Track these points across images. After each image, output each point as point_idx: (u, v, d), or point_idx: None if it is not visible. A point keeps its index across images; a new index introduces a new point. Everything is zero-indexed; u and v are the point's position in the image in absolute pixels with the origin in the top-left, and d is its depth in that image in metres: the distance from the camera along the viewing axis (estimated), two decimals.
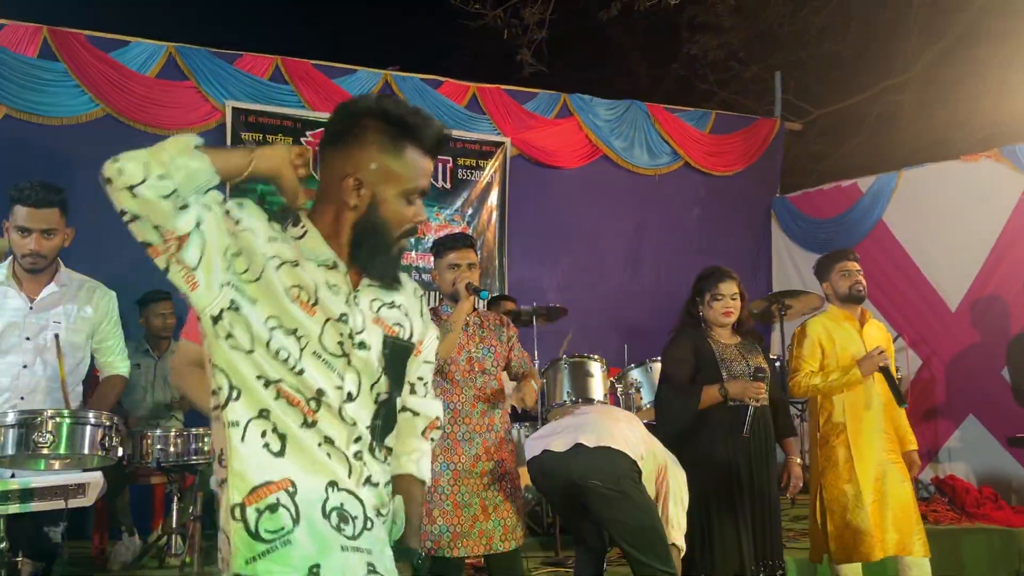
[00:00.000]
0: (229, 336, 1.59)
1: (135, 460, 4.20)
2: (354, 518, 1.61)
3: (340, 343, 1.65)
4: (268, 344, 1.59)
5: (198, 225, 1.54)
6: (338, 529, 1.59)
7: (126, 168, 1.49)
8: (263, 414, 1.59)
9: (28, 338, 3.10)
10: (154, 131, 5.79)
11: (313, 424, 1.60)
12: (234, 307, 1.59)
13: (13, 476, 2.62)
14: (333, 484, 1.61)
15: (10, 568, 2.56)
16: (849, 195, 7.22)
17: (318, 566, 1.54)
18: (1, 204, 3.18)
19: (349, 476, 1.63)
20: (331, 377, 1.63)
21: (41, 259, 3.09)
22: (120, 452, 2.74)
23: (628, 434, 3.48)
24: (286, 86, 6.13)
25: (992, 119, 6.52)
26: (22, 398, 3.04)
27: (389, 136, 1.68)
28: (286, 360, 1.59)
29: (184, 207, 1.52)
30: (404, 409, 1.83)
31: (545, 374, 5.15)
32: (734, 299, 3.75)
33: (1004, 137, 6.30)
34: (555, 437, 3.50)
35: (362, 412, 1.66)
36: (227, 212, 1.59)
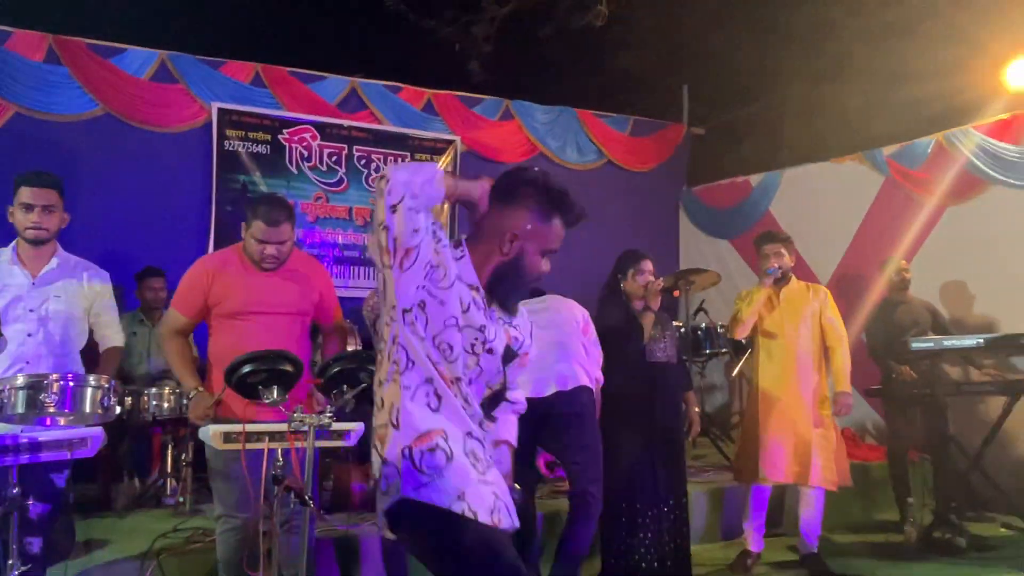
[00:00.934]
0: (412, 324, 1.80)
1: (135, 415, 4.13)
2: (480, 460, 1.83)
3: (473, 345, 1.85)
4: (437, 336, 1.81)
5: (419, 243, 1.74)
6: (474, 466, 1.80)
7: (393, 189, 1.70)
8: (428, 381, 1.81)
9: (31, 310, 3.01)
10: (148, 128, 5.62)
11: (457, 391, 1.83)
12: (421, 305, 1.79)
13: (23, 431, 2.55)
14: (469, 433, 1.83)
15: (22, 510, 2.51)
16: (742, 189, 7.33)
17: (464, 493, 1.75)
18: (8, 192, 3.10)
19: (480, 426, 1.87)
20: (464, 370, 1.85)
21: (43, 231, 3.03)
22: (118, 410, 2.68)
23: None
24: (265, 90, 5.98)
25: (858, 127, 6.67)
26: (27, 363, 2.96)
27: (544, 206, 1.90)
28: (447, 351, 1.82)
29: (416, 229, 1.72)
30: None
31: None
32: (652, 274, 3.83)
33: (867, 142, 6.44)
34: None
35: (476, 397, 1.88)
36: (434, 233, 1.79)
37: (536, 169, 1.97)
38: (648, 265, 3.86)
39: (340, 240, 6.07)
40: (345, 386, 2.59)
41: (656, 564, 3.66)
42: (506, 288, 1.90)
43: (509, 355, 1.93)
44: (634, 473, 3.69)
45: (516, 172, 1.94)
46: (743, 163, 8.04)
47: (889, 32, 6.80)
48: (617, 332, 3.76)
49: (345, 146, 6.13)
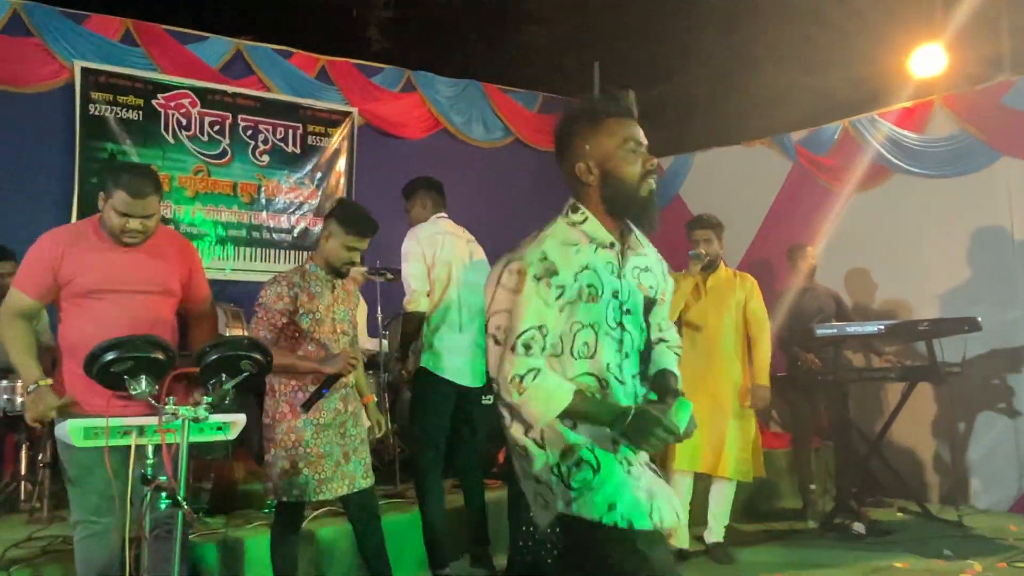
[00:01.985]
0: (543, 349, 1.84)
1: None
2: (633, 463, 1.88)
3: (616, 316, 1.89)
4: (573, 346, 1.86)
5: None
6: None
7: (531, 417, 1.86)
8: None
9: None
10: None
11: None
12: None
13: None
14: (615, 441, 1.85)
15: None
16: None
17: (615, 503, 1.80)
18: None
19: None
20: (613, 346, 1.88)
21: None
22: None
23: None
24: (137, 48, 5.64)
25: (767, 111, 6.92)
26: None
27: (589, 122, 1.92)
28: (584, 350, 1.87)
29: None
30: (660, 341, 2.07)
31: (389, 327, 5.13)
32: None
33: (775, 127, 6.68)
34: None
35: (632, 365, 1.93)
36: (546, 301, 1.83)
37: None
38: None
39: (223, 218, 5.82)
40: (224, 375, 2.47)
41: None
42: (621, 207, 1.96)
43: (648, 304, 1.99)
44: None
45: (559, 122, 2.00)
46: (654, 145, 8.20)
47: (799, 17, 7.07)
48: None
49: (229, 115, 5.87)
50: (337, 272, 3.24)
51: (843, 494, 5.01)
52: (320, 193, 6.24)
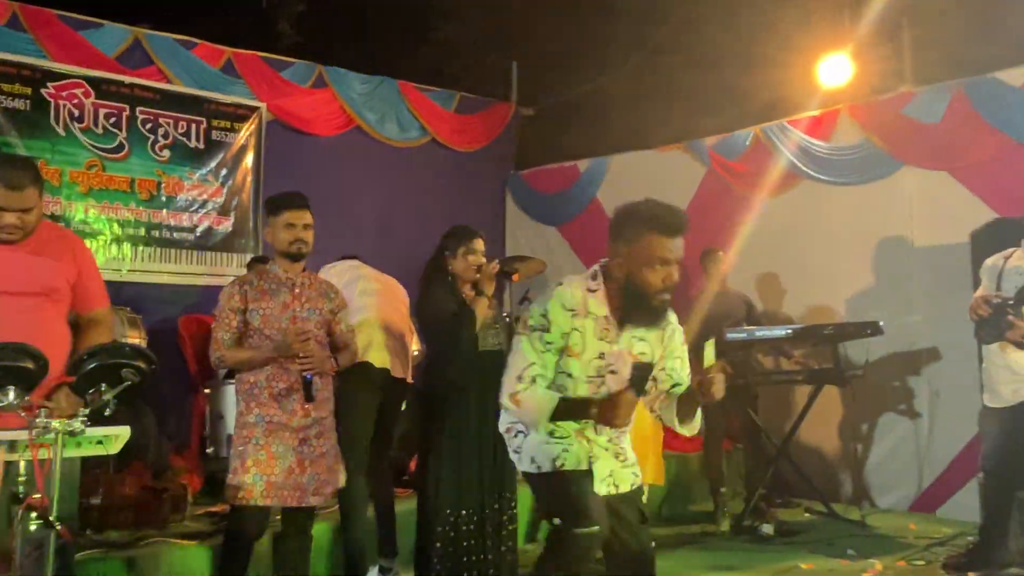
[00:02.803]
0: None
1: None
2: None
3: (599, 370, 2.50)
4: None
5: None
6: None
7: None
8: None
9: None
10: None
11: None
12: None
13: None
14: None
15: None
16: (570, 175, 7.54)
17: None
18: None
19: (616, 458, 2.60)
20: (591, 389, 2.51)
21: None
22: None
23: None
24: (25, 34, 5.33)
25: (682, 116, 7.05)
26: None
27: (637, 227, 2.44)
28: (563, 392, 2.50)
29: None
30: (674, 386, 2.65)
31: None
32: (483, 256, 3.72)
33: (690, 132, 6.82)
34: None
35: None
36: (546, 344, 2.48)
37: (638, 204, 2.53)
38: (480, 244, 3.70)
39: (119, 215, 5.56)
40: (104, 384, 2.34)
41: (480, 572, 3.61)
42: (630, 306, 2.55)
43: (640, 369, 2.51)
44: (461, 475, 3.60)
45: (620, 212, 2.57)
46: (572, 147, 8.25)
47: (713, 23, 7.24)
48: (447, 318, 3.57)
49: (127, 106, 5.62)
50: (292, 256, 3.15)
51: (753, 496, 5.14)
52: (225, 191, 6.04)
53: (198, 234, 5.92)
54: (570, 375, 2.52)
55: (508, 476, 3.70)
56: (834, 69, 6.07)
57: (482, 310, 3.60)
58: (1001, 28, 5.49)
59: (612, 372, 2.52)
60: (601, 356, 2.51)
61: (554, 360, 2.49)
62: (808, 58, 6.25)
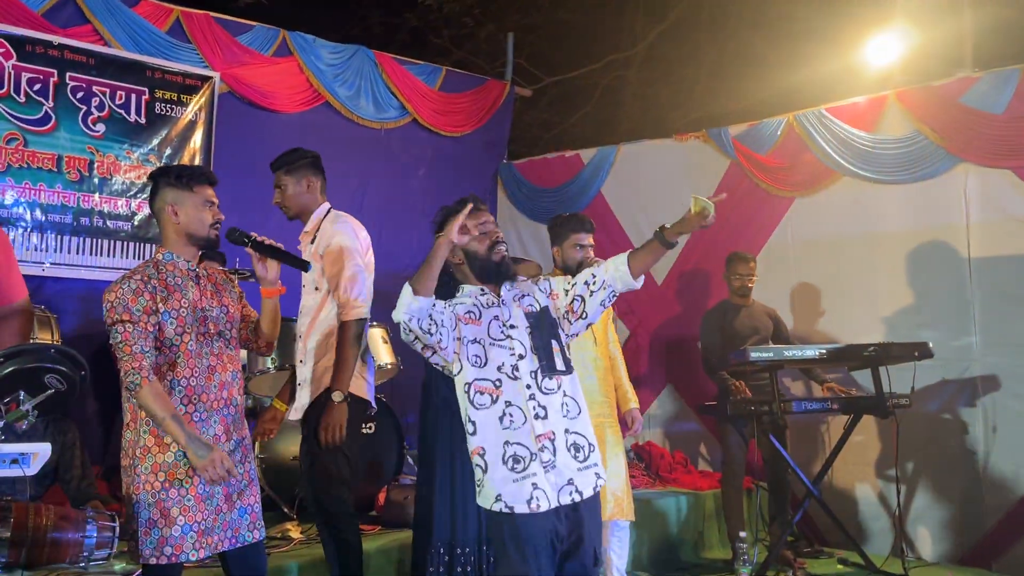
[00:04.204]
0: (459, 372, 2.97)
1: None
2: (524, 456, 2.87)
3: (501, 330, 2.98)
4: (468, 356, 2.95)
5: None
6: (511, 468, 2.87)
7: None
8: (467, 410, 2.95)
9: None
10: None
11: (496, 399, 2.91)
12: (459, 356, 2.98)
13: None
14: (507, 442, 2.88)
15: None
16: (572, 166, 7.53)
17: (500, 495, 2.85)
18: None
19: (524, 423, 2.89)
20: (504, 351, 2.95)
21: None
22: None
23: None
24: None
25: (703, 101, 7.07)
26: None
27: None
28: (475, 360, 2.95)
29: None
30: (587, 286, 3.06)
31: None
32: None
33: (712, 119, 6.83)
34: None
35: (529, 364, 2.94)
36: (435, 309, 2.89)
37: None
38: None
39: (42, 199, 5.49)
40: (23, 392, 2.30)
41: None
42: (482, 271, 3.09)
43: (534, 318, 3.03)
44: (456, 508, 3.61)
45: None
46: (574, 135, 8.27)
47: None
48: None
49: (54, 71, 5.55)
50: (208, 244, 2.96)
51: (778, 543, 5.11)
52: None
53: (136, 223, 5.85)
54: (479, 342, 2.98)
55: None
56: (882, 49, 6.09)
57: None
58: None
59: (512, 327, 2.98)
60: (496, 317, 3.01)
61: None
62: (852, 36, 6.28)
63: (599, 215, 7.05)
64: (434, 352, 2.95)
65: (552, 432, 2.89)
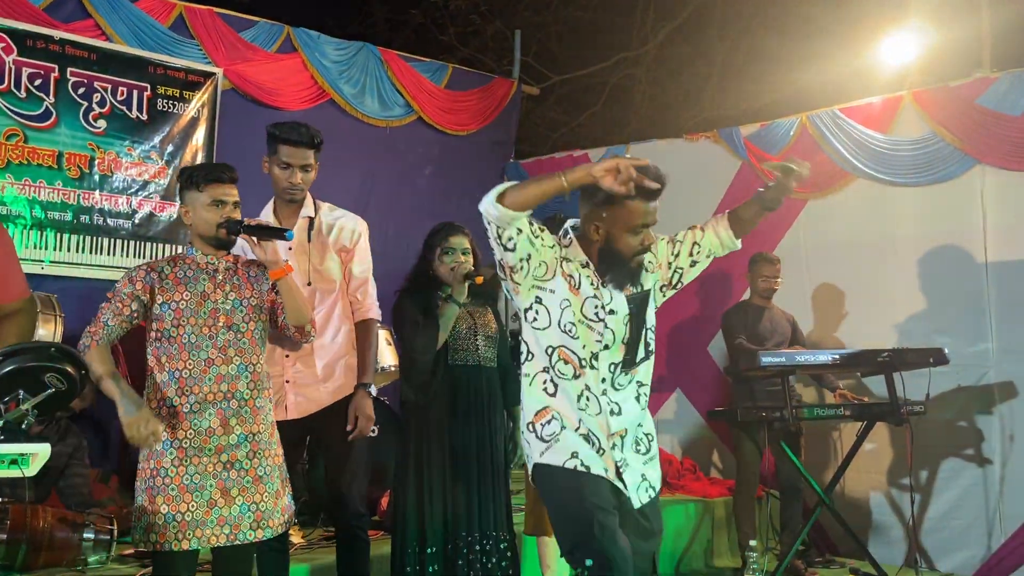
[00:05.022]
0: (534, 320, 2.80)
1: None
2: (597, 439, 2.77)
3: (596, 312, 2.77)
4: (560, 321, 2.77)
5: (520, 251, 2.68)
6: (588, 441, 2.76)
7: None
8: (545, 370, 2.81)
9: None
10: None
11: (578, 376, 2.77)
12: (538, 300, 2.80)
13: None
14: (580, 420, 2.77)
15: None
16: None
17: (577, 452, 2.75)
18: None
19: (599, 414, 2.78)
20: (592, 335, 2.77)
21: None
22: None
23: None
24: None
25: (715, 101, 7.07)
26: None
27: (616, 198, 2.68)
28: (568, 329, 2.77)
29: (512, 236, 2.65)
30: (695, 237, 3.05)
31: None
32: (465, 254, 3.77)
33: (723, 119, 6.82)
34: None
35: (610, 356, 2.80)
36: (533, 234, 2.67)
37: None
38: (458, 241, 3.80)
39: (42, 196, 5.51)
40: (22, 392, 2.30)
41: None
42: (608, 268, 2.81)
43: (636, 301, 2.85)
44: (425, 509, 3.67)
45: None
46: (583, 134, 8.27)
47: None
48: (408, 328, 3.76)
49: (55, 67, 5.57)
50: (219, 243, 3.07)
51: (788, 552, 5.09)
52: (171, 171, 5.99)
53: (137, 221, 5.86)
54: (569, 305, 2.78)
55: (498, 512, 3.74)
56: (897, 48, 6.08)
57: (449, 319, 3.73)
58: None
59: (611, 313, 2.79)
60: (596, 297, 2.79)
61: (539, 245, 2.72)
62: (867, 35, 6.27)
63: None
64: (507, 276, 2.74)
65: (624, 430, 2.82)
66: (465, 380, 3.77)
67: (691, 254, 2.97)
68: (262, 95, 6.46)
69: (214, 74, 6.20)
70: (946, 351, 4.99)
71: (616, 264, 2.79)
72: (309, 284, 3.56)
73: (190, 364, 2.97)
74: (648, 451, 2.91)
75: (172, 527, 2.88)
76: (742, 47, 7.44)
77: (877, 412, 5.15)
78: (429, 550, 3.63)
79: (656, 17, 8.57)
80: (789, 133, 6.33)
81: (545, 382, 2.79)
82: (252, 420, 3.04)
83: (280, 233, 3.06)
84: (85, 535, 3.95)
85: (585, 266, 2.80)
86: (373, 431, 4.84)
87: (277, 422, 3.22)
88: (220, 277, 3.08)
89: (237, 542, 2.95)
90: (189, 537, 2.89)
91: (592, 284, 2.79)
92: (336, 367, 3.60)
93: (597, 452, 2.76)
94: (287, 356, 3.53)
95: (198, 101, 6.14)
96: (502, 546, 3.77)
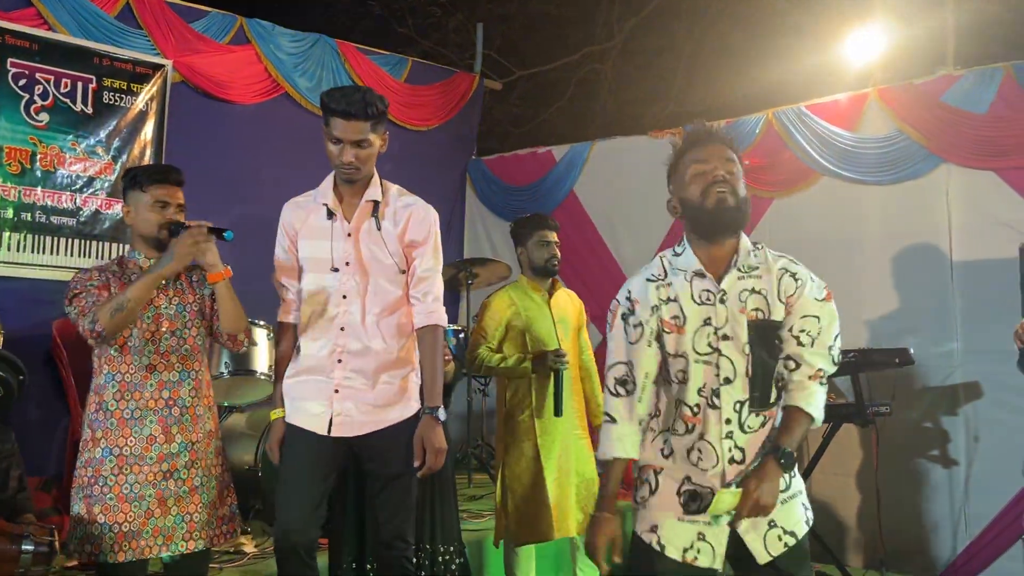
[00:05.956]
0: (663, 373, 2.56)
1: None
2: (703, 496, 2.47)
3: (708, 343, 2.47)
4: (673, 374, 2.52)
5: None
6: (683, 504, 2.51)
7: None
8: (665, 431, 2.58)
9: None
10: None
11: (692, 429, 2.49)
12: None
13: None
14: (689, 478, 2.51)
15: None
16: (543, 163, 7.51)
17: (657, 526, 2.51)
18: None
19: (715, 466, 2.47)
20: (708, 370, 2.46)
21: None
22: None
23: None
24: None
25: (680, 97, 7.08)
26: None
27: (673, 160, 2.69)
28: (680, 377, 2.50)
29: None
30: (789, 358, 2.51)
31: None
32: None
33: (689, 116, 6.84)
34: None
35: (736, 391, 2.45)
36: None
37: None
38: None
39: None
40: None
41: None
42: (702, 229, 2.56)
43: (760, 329, 2.48)
44: (361, 518, 3.65)
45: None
46: (547, 130, 8.26)
47: None
48: None
49: None
50: (160, 245, 3.04)
51: None
52: (118, 166, 5.88)
53: (82, 219, 5.75)
54: (683, 356, 2.51)
55: (445, 523, 3.72)
56: (863, 45, 6.13)
57: None
58: None
59: (726, 339, 2.47)
60: (707, 322, 2.49)
61: (652, 352, 2.54)
62: (833, 31, 6.32)
63: (572, 214, 7.06)
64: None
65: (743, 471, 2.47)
66: None
67: (803, 343, 2.54)
68: (214, 88, 6.38)
69: (163, 66, 6.10)
70: (911, 351, 5.04)
71: (696, 215, 2.58)
72: (367, 277, 3.08)
73: (133, 368, 2.96)
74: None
75: (108, 538, 2.86)
76: (708, 42, 7.46)
77: (843, 413, 5.19)
78: (368, 565, 3.58)
79: (621, 11, 8.57)
80: (755, 130, 6.36)
81: (655, 441, 2.66)
82: (192, 428, 3.03)
83: (219, 233, 3.01)
84: (24, 547, 3.85)
85: (700, 276, 2.56)
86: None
87: (320, 437, 2.99)
88: (163, 281, 3.05)
89: (170, 552, 2.94)
90: (125, 549, 2.87)
91: (704, 297, 2.56)
92: (394, 381, 3.09)
93: (696, 510, 2.54)
94: (339, 361, 3.04)
95: (146, 94, 6.03)
96: (445, 558, 3.75)
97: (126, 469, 2.90)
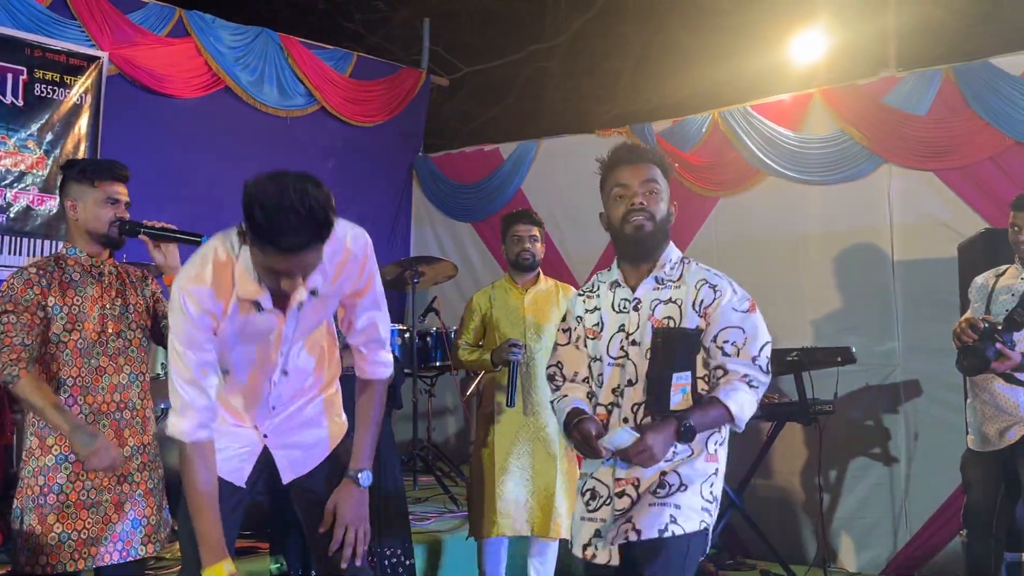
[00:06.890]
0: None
1: None
2: (601, 496, 2.64)
3: (621, 347, 2.65)
4: (594, 376, 2.74)
5: None
6: (586, 503, 2.67)
7: None
8: None
9: None
10: None
11: (606, 426, 2.63)
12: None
13: None
14: (590, 475, 2.70)
15: None
16: (491, 160, 7.52)
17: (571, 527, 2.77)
18: None
19: (610, 460, 2.61)
20: (620, 372, 2.63)
21: None
22: None
23: None
24: None
25: (628, 95, 7.14)
26: None
27: (601, 174, 2.82)
28: (599, 380, 2.70)
29: None
30: (717, 367, 2.61)
31: None
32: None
33: (636, 115, 6.90)
34: None
35: (636, 393, 2.60)
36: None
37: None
38: None
39: None
40: None
41: None
42: (621, 251, 2.79)
43: (666, 336, 2.58)
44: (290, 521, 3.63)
45: None
46: (495, 128, 8.27)
47: None
48: None
49: None
50: (108, 242, 2.98)
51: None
52: (50, 161, 5.76)
53: (12, 215, 5.63)
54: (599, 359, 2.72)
55: (391, 524, 3.74)
56: (807, 46, 6.23)
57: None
58: (998, 11, 5.75)
59: (634, 344, 2.63)
60: (621, 328, 2.67)
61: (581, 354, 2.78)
62: (778, 31, 6.42)
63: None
64: None
65: (637, 479, 2.57)
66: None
67: (718, 365, 2.61)
68: (152, 82, 6.27)
69: (98, 58, 5.99)
70: (853, 350, 5.13)
71: (615, 237, 2.83)
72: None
73: (84, 371, 2.90)
74: (666, 496, 2.62)
75: (67, 547, 2.79)
76: (656, 41, 7.53)
77: (787, 412, 5.27)
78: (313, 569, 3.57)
79: (568, 9, 8.61)
80: (701, 130, 6.43)
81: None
82: (143, 431, 3.00)
83: (193, 238, 2.98)
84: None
85: (618, 285, 2.78)
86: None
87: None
88: (106, 281, 3.01)
89: (129, 558, 2.89)
90: (85, 556, 2.82)
91: (621, 305, 2.76)
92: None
93: (594, 509, 2.70)
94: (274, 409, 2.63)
95: (81, 87, 5.92)
96: (392, 561, 3.75)
97: (82, 475, 2.83)
